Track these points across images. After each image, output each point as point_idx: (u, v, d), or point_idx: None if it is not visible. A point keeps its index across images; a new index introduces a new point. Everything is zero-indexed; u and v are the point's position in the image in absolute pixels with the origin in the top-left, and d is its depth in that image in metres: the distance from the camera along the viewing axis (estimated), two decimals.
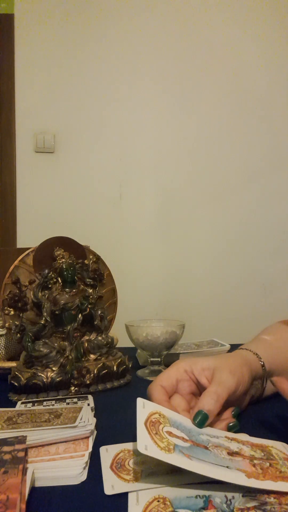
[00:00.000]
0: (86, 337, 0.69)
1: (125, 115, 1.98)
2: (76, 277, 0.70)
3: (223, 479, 0.34)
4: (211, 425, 0.45)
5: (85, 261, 0.73)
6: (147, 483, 0.35)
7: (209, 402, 0.44)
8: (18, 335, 0.65)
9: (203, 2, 1.99)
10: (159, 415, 0.42)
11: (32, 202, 1.94)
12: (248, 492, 0.33)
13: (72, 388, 0.63)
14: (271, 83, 2.01)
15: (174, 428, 0.41)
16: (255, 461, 0.38)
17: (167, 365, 0.71)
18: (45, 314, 0.67)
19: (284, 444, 0.43)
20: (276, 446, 0.42)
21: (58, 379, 0.62)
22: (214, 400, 0.44)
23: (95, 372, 0.65)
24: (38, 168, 1.95)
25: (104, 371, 0.66)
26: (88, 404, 0.55)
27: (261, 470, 0.36)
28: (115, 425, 0.50)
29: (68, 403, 0.56)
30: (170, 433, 0.39)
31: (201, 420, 0.43)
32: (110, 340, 0.70)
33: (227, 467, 0.36)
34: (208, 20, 1.99)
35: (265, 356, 0.56)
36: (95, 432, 0.46)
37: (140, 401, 0.43)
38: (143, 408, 0.42)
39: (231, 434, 0.44)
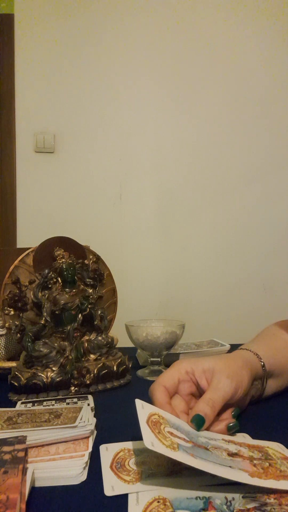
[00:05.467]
0: (86, 337, 0.69)
1: (125, 115, 1.98)
2: (76, 277, 0.70)
3: (230, 478, 0.34)
4: (211, 425, 0.45)
5: (85, 261, 0.73)
6: (147, 484, 0.35)
7: (205, 409, 0.44)
8: (18, 335, 0.65)
9: (203, 2, 1.99)
10: (158, 416, 0.42)
11: (32, 202, 1.94)
12: (248, 493, 0.33)
13: (72, 388, 0.63)
14: (271, 84, 2.01)
15: (175, 429, 0.41)
16: (255, 461, 0.38)
17: (167, 365, 0.71)
18: (45, 314, 0.67)
19: (279, 444, 0.43)
20: (272, 446, 0.42)
21: (58, 379, 0.62)
22: (210, 407, 0.45)
23: (95, 372, 0.65)
24: (38, 168, 1.95)
25: (104, 371, 0.66)
26: (88, 404, 0.55)
27: (262, 469, 0.36)
28: (115, 425, 0.50)
29: (68, 403, 0.56)
30: (171, 434, 0.39)
31: (198, 423, 0.44)
32: (110, 340, 0.70)
33: (230, 467, 0.36)
34: (208, 20, 1.99)
35: (265, 357, 0.56)
36: (95, 432, 0.46)
37: (138, 402, 0.43)
38: (142, 408, 0.42)
39: (227, 437, 0.44)
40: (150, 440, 0.36)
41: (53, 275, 0.69)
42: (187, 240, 1.99)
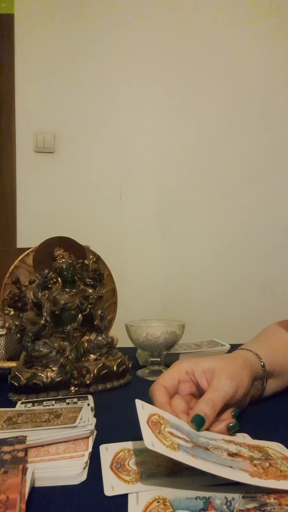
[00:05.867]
0: (86, 337, 0.69)
1: (125, 115, 1.98)
2: (76, 277, 0.70)
3: (231, 478, 0.34)
4: (211, 425, 0.45)
5: (85, 261, 0.73)
6: (147, 484, 0.35)
7: (205, 409, 0.44)
8: (18, 335, 0.65)
9: (203, 3, 1.99)
10: (158, 416, 0.42)
11: (32, 202, 1.94)
12: (248, 493, 0.33)
13: (72, 388, 0.63)
14: (271, 83, 2.01)
15: (175, 430, 0.41)
16: (255, 462, 0.38)
17: (167, 365, 0.71)
18: (45, 314, 0.67)
19: (279, 444, 0.43)
20: (272, 446, 0.42)
21: (58, 379, 0.62)
22: (210, 407, 0.45)
23: (95, 372, 0.65)
24: (38, 168, 1.95)
25: (104, 371, 0.66)
26: (88, 404, 0.55)
27: (263, 469, 0.36)
28: (115, 425, 0.50)
29: (68, 403, 0.56)
30: (172, 434, 0.39)
31: (198, 423, 0.44)
32: (110, 340, 0.70)
33: (230, 467, 0.36)
34: (208, 21, 1.99)
35: (265, 356, 0.56)
36: (95, 432, 0.46)
37: (138, 402, 0.43)
38: (143, 409, 0.42)
39: (227, 437, 0.44)
40: (150, 440, 0.36)
41: (53, 275, 0.69)
42: (187, 240, 1.99)
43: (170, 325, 0.75)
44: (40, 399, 0.60)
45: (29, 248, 0.70)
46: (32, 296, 0.68)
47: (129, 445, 0.43)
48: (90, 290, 0.72)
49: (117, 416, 0.53)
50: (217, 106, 2.00)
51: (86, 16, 1.95)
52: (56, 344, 0.66)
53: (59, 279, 0.69)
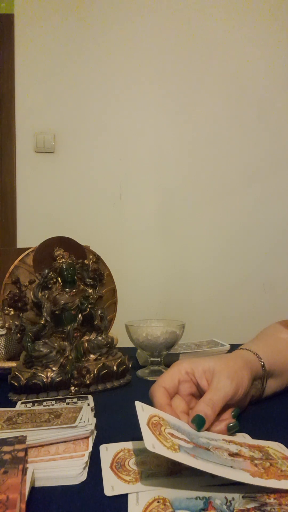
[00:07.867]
0: (86, 337, 0.69)
1: (125, 115, 1.98)
2: (76, 277, 0.70)
3: (232, 478, 0.34)
4: (211, 425, 0.45)
5: (85, 261, 0.73)
6: (147, 484, 0.35)
7: (205, 409, 0.44)
8: (18, 335, 0.65)
9: (203, 4, 1.99)
10: (159, 418, 0.42)
11: (32, 202, 1.94)
12: (248, 493, 0.33)
13: (72, 388, 0.63)
14: (271, 84, 2.01)
15: (175, 431, 0.41)
16: (256, 461, 0.38)
17: (167, 365, 0.71)
18: (45, 314, 0.67)
19: (280, 444, 0.43)
20: (272, 446, 0.42)
21: (58, 379, 0.62)
22: (210, 407, 0.45)
23: (95, 372, 0.65)
24: (38, 168, 1.95)
25: (104, 371, 0.66)
26: (88, 404, 0.55)
27: (263, 469, 0.36)
28: (115, 425, 0.50)
29: (68, 403, 0.56)
30: (172, 435, 0.39)
31: (198, 423, 0.44)
32: (110, 340, 0.70)
33: (231, 467, 0.36)
34: (208, 22, 1.99)
35: (265, 356, 0.56)
36: (95, 432, 0.46)
37: (138, 404, 0.43)
38: (143, 411, 0.42)
39: (228, 437, 0.44)
40: (151, 442, 0.36)
41: (53, 275, 0.69)
42: (187, 240, 1.99)
43: (170, 325, 0.75)
44: (40, 399, 0.60)
45: (29, 248, 0.70)
46: (32, 296, 0.68)
47: (129, 445, 0.43)
48: (90, 290, 0.72)
49: (117, 416, 0.53)
50: (216, 107, 2.00)
51: (86, 16, 1.95)
52: (56, 344, 0.66)
53: (59, 279, 0.69)
